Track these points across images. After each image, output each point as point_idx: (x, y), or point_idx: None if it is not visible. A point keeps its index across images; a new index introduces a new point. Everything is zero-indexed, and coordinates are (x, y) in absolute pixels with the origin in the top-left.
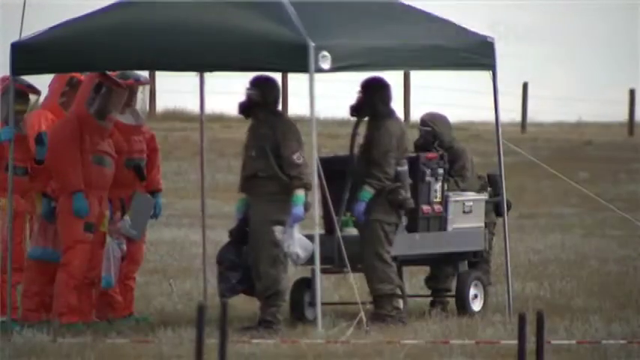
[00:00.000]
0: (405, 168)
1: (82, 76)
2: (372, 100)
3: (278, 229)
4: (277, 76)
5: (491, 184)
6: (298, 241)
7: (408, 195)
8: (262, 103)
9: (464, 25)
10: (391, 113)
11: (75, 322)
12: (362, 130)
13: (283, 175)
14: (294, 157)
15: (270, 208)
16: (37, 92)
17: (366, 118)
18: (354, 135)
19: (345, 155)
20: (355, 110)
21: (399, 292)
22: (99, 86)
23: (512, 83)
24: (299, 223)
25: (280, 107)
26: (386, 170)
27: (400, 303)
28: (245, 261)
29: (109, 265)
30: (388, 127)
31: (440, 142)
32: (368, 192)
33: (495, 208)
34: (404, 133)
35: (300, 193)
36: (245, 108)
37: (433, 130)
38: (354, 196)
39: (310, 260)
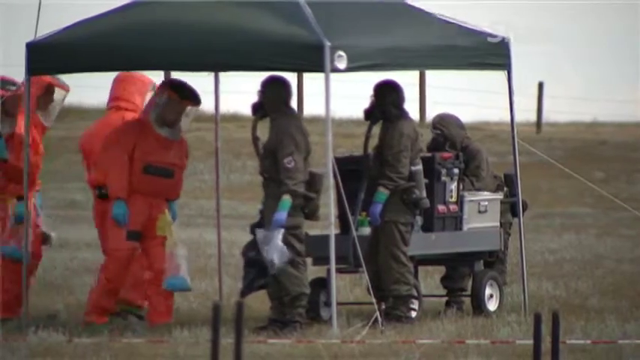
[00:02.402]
0: (419, 167)
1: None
2: (384, 104)
3: (260, 232)
4: (293, 76)
5: (508, 184)
6: (276, 247)
7: (423, 194)
8: (267, 104)
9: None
10: (403, 115)
11: (101, 324)
12: (376, 132)
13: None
14: (285, 160)
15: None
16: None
17: (380, 121)
18: (367, 138)
19: (361, 155)
20: (368, 114)
21: (414, 293)
22: (162, 94)
23: (527, 83)
24: (280, 229)
25: (294, 107)
26: (399, 170)
27: (416, 304)
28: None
29: (178, 267)
30: (400, 128)
31: (451, 143)
32: (383, 193)
33: (511, 208)
34: (417, 134)
35: (285, 198)
36: (255, 109)
37: (442, 132)
38: (370, 196)
39: (325, 260)
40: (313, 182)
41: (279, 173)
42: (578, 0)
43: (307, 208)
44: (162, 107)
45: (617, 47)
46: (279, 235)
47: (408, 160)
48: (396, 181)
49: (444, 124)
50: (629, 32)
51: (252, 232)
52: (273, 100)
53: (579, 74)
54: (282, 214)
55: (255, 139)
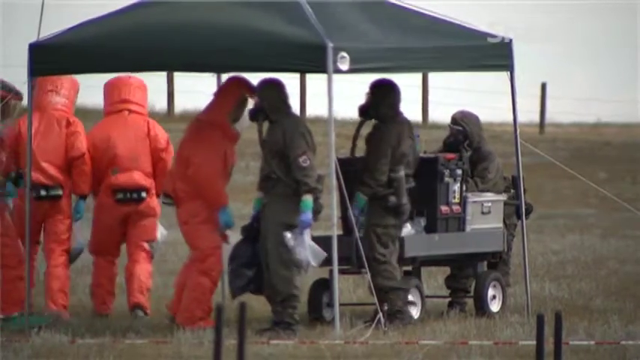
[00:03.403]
0: (399, 174)
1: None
2: (378, 103)
3: (289, 236)
4: (296, 77)
5: (515, 186)
6: (309, 248)
7: (403, 201)
8: (267, 107)
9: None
10: (396, 116)
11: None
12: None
13: (289, 178)
14: (300, 159)
15: (282, 209)
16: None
17: (373, 120)
18: (355, 136)
19: (364, 156)
20: (363, 111)
21: (403, 285)
22: (244, 100)
23: (529, 84)
24: (308, 229)
25: (297, 108)
26: (376, 177)
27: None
28: (259, 259)
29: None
30: (385, 133)
31: (469, 142)
32: (361, 199)
33: (517, 210)
34: (402, 139)
35: (307, 199)
36: (254, 114)
37: (464, 129)
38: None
39: (328, 261)
40: (319, 182)
41: (293, 173)
42: (581, 0)
43: (314, 207)
44: (239, 107)
45: (619, 47)
46: (308, 236)
47: (386, 167)
48: (373, 187)
49: (467, 121)
50: (631, 32)
51: (242, 233)
52: (273, 102)
53: (582, 75)
54: (307, 215)
55: (264, 144)
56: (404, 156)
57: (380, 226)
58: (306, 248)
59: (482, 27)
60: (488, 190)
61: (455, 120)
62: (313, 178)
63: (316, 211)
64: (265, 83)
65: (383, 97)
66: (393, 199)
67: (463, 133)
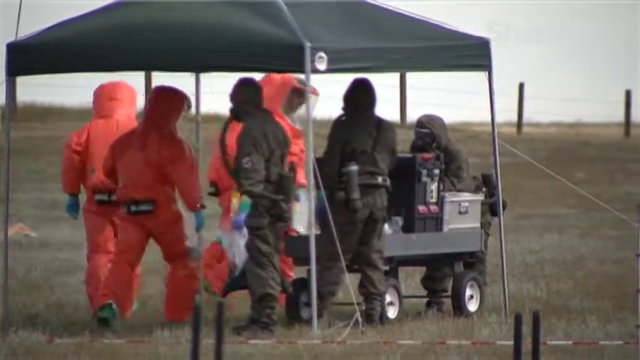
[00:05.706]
0: (351, 168)
1: None
2: (344, 99)
3: (224, 237)
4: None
5: (486, 183)
6: (238, 249)
7: (352, 196)
8: (237, 107)
9: (461, 26)
10: (360, 113)
11: None
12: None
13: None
14: (243, 161)
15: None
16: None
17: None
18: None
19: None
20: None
21: (333, 290)
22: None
23: (510, 84)
24: (242, 230)
25: (266, 108)
26: (326, 172)
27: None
28: None
29: None
30: (335, 128)
31: (437, 143)
32: (321, 196)
33: (491, 208)
34: (356, 135)
35: (243, 200)
36: (231, 112)
37: (431, 132)
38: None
39: (306, 260)
40: (282, 184)
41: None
42: (563, 0)
43: (273, 210)
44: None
45: (599, 48)
46: (240, 237)
47: (335, 161)
48: (324, 182)
49: (433, 123)
50: (611, 33)
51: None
52: (242, 103)
53: (562, 75)
54: (240, 216)
55: (222, 141)
56: (354, 152)
57: (334, 222)
58: (236, 249)
59: (461, 27)
60: (462, 190)
61: (421, 123)
62: (252, 180)
63: (275, 216)
64: (240, 83)
65: (347, 94)
66: (341, 194)
67: (430, 135)
